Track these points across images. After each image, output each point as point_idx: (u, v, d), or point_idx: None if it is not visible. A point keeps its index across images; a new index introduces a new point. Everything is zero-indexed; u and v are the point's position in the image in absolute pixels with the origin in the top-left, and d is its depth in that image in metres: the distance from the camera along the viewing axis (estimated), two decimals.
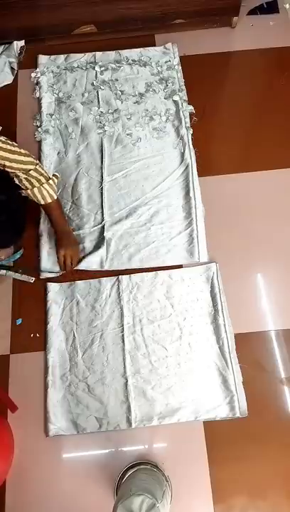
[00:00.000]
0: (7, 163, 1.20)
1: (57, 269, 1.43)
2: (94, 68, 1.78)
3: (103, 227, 1.50)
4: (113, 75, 1.77)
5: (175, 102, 1.70)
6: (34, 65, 1.82)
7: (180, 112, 1.67)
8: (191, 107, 1.69)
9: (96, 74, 1.77)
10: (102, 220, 1.51)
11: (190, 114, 1.69)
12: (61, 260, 1.41)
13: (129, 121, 1.68)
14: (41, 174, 1.28)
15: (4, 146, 1.17)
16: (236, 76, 1.79)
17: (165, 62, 1.78)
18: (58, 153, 1.64)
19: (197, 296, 1.40)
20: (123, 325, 1.37)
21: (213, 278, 1.42)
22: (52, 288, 1.43)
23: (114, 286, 1.42)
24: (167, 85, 1.73)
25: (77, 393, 1.30)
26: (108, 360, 1.33)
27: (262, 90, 1.77)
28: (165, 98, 1.72)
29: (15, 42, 1.81)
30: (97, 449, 1.27)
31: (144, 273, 1.44)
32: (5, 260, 1.44)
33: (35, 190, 1.30)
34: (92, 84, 1.76)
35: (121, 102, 1.71)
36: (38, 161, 1.28)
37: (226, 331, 1.34)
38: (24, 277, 1.45)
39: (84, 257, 1.44)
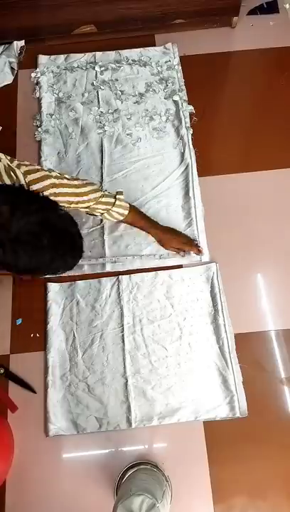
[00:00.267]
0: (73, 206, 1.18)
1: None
2: (94, 68, 1.78)
3: (103, 227, 1.50)
4: (113, 75, 1.77)
5: (175, 102, 1.70)
6: (34, 65, 1.82)
7: (180, 112, 1.67)
8: (191, 107, 1.69)
9: (96, 74, 1.77)
10: (102, 220, 1.51)
11: (190, 114, 1.68)
12: (180, 252, 1.43)
13: (129, 121, 1.67)
14: (106, 202, 1.26)
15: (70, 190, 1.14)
16: (236, 76, 1.79)
17: (165, 62, 1.78)
18: (58, 153, 1.64)
19: (197, 296, 1.40)
20: (123, 325, 1.37)
21: (213, 278, 1.42)
22: (52, 288, 1.43)
23: (114, 286, 1.42)
24: (167, 85, 1.73)
25: (77, 393, 1.30)
26: (108, 360, 1.33)
27: (262, 90, 1.76)
28: (165, 98, 1.71)
29: (15, 42, 1.81)
30: (97, 449, 1.27)
31: (144, 273, 1.44)
32: None
33: (106, 215, 1.31)
34: (92, 84, 1.75)
35: (121, 102, 1.71)
36: (100, 190, 1.25)
37: (226, 331, 1.34)
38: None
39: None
